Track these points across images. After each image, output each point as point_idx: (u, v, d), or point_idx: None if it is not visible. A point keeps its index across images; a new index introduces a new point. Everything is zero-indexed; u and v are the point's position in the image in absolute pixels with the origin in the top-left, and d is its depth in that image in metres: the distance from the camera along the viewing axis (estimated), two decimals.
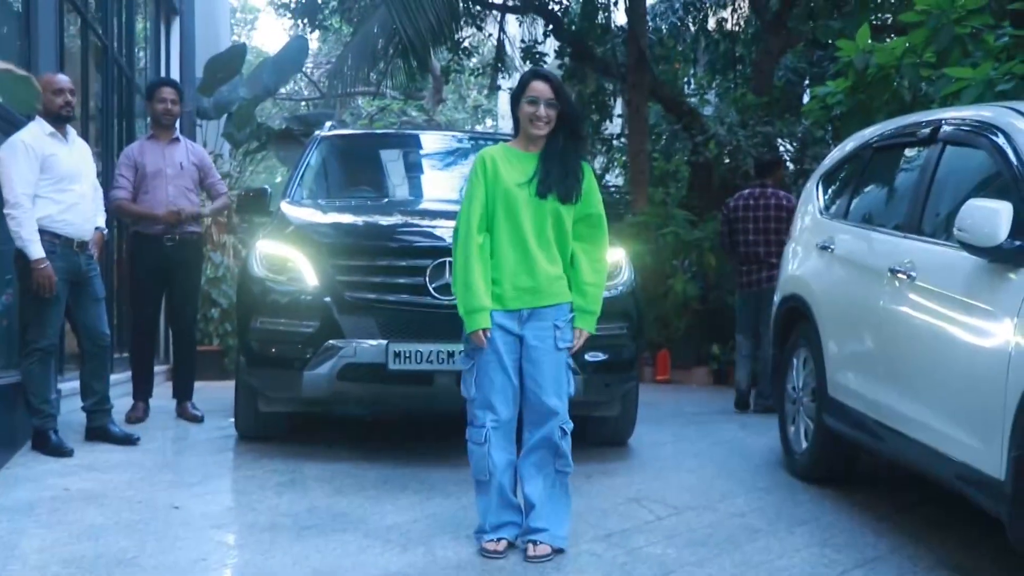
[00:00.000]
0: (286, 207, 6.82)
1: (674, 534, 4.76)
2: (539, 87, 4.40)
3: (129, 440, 6.58)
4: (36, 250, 5.97)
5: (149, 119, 7.92)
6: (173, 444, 6.72)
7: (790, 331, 6.19)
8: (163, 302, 7.75)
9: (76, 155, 6.37)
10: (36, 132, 6.13)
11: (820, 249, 5.84)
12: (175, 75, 12.52)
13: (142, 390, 7.56)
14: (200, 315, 10.95)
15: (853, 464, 5.68)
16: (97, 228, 6.51)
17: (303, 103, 24.70)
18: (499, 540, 4.41)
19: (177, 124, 7.85)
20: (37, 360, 6.13)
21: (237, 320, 6.59)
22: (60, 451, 6.09)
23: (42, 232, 6.04)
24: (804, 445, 5.85)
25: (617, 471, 6.07)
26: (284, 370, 5.91)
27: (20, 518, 4.78)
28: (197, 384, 7.87)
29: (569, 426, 4.46)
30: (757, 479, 5.90)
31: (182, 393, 7.74)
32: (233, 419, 6.75)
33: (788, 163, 13.05)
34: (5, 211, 5.99)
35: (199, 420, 7.56)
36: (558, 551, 4.38)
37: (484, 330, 4.32)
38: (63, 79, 6.34)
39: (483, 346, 4.33)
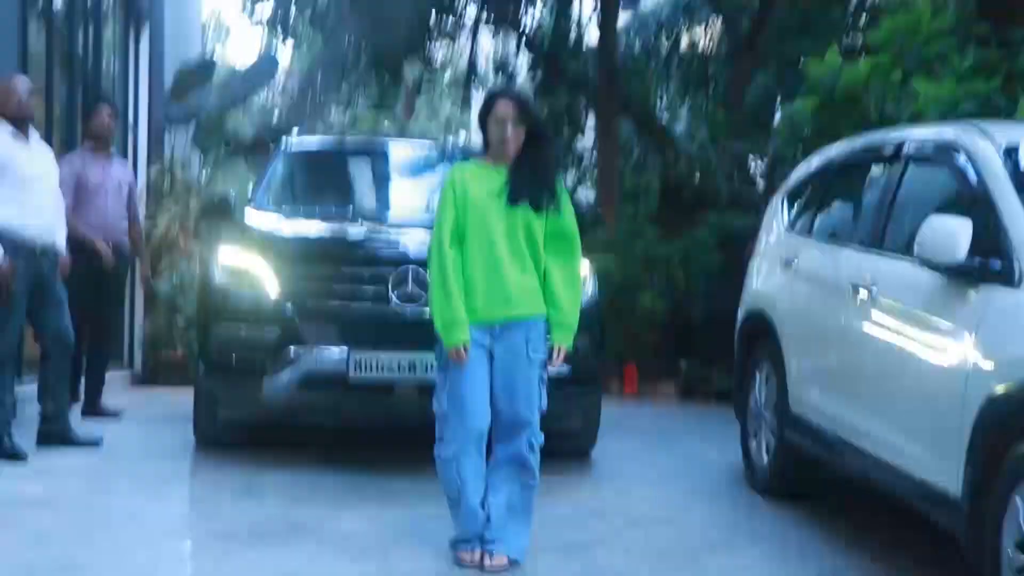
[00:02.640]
0: (250, 214, 6.79)
1: (633, 547, 4.75)
2: (504, 108, 4.38)
3: (93, 442, 6.55)
4: None
5: (85, 134, 8.08)
6: (131, 450, 6.65)
7: (753, 346, 6.19)
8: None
9: (38, 158, 6.31)
10: (3, 132, 6.07)
11: (784, 265, 5.85)
12: (143, 82, 12.45)
13: (72, 390, 7.54)
14: (164, 322, 10.90)
15: (814, 480, 5.68)
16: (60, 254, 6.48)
17: (275, 112, 24.60)
18: (474, 551, 4.38)
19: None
20: None
21: (197, 327, 6.55)
22: (15, 455, 6.01)
23: (2, 235, 5.97)
24: (765, 460, 5.85)
25: (579, 483, 6.05)
26: (244, 377, 5.87)
27: None
28: (160, 391, 7.88)
29: (539, 440, 4.43)
30: (718, 493, 5.90)
31: (93, 393, 7.93)
32: (192, 426, 6.67)
33: (758, 181, 13.12)
34: None
35: (116, 415, 7.82)
36: (515, 563, 4.35)
37: (463, 346, 4.27)
38: (23, 81, 6.32)
39: (461, 362, 4.27)
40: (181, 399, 8.41)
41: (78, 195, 7.47)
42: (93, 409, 7.91)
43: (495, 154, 4.45)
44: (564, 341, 4.45)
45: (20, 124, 6.18)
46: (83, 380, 8.09)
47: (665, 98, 16.72)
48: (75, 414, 7.71)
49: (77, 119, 9.64)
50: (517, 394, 4.36)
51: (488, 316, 4.33)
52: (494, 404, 4.37)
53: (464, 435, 4.33)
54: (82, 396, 7.90)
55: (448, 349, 4.29)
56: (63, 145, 9.16)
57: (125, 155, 10.98)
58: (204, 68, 13.53)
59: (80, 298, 7.29)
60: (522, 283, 4.37)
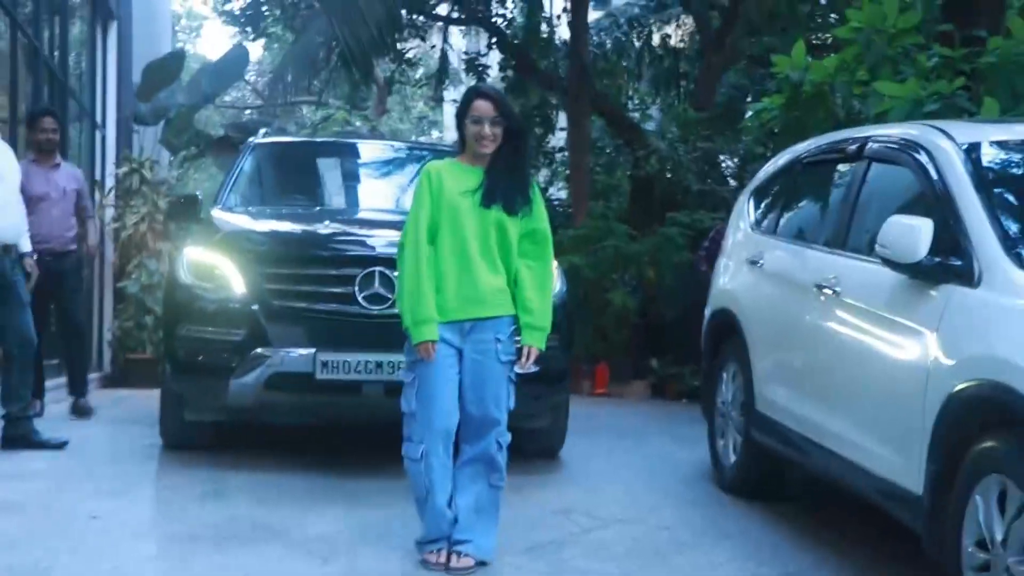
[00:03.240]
0: (216, 214, 6.77)
1: (600, 547, 4.76)
2: (482, 106, 4.37)
3: (58, 445, 6.54)
4: None
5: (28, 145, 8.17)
6: (97, 453, 6.61)
7: (720, 345, 6.21)
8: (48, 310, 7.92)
9: None
10: None
11: (750, 264, 5.87)
12: (111, 80, 12.39)
13: (36, 389, 7.60)
14: (133, 323, 10.87)
15: (780, 478, 5.69)
16: (25, 254, 6.47)
17: (246, 111, 24.55)
18: (439, 551, 4.38)
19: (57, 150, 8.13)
20: None
21: (163, 327, 6.52)
22: None
23: None
24: (732, 459, 5.87)
25: (546, 483, 6.06)
26: (210, 378, 5.85)
27: None
28: (126, 392, 7.87)
29: (506, 440, 4.44)
30: (686, 492, 5.92)
31: (79, 389, 8.15)
32: (159, 428, 6.64)
33: (729, 179, 13.17)
34: None
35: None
36: (482, 563, 4.35)
37: (431, 343, 4.27)
38: None
39: (429, 359, 4.28)
40: (150, 400, 8.40)
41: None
42: (78, 407, 8.08)
43: (471, 153, 4.44)
44: (535, 343, 4.46)
45: None
46: (67, 380, 8.25)
47: (636, 96, 16.79)
48: (54, 415, 7.78)
49: None
50: (486, 394, 4.37)
51: (458, 315, 4.34)
52: (462, 404, 4.38)
53: (432, 434, 4.33)
54: (41, 399, 7.83)
55: (417, 346, 4.29)
56: (28, 144, 9.11)
57: (92, 155, 10.94)
58: (172, 61, 13.43)
59: (35, 305, 7.29)
60: (493, 283, 4.37)
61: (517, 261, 4.45)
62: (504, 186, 4.38)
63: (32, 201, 7.47)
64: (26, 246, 6.58)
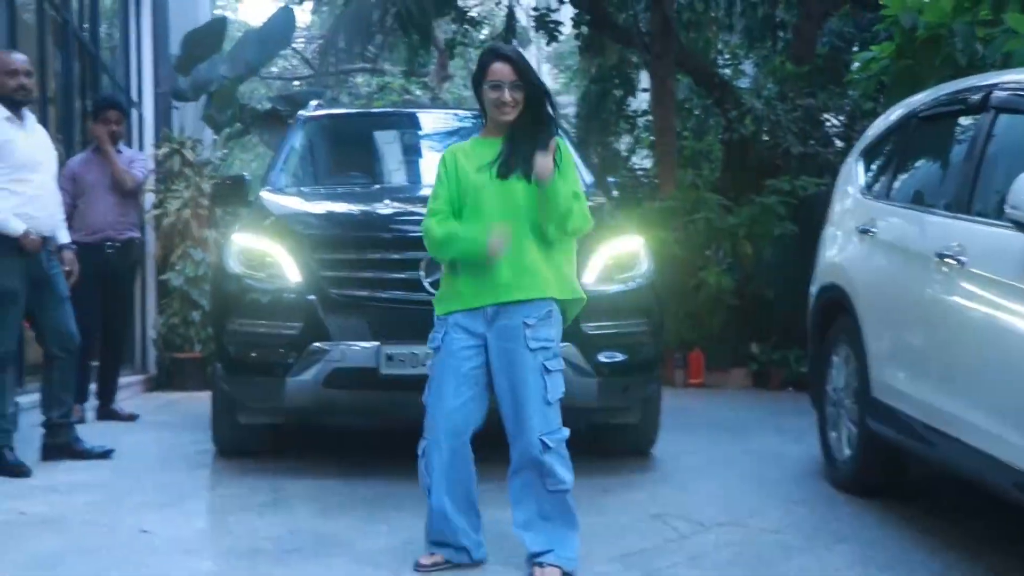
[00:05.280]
0: (266, 196, 6.83)
1: (699, 554, 4.74)
2: (501, 69, 4.37)
3: (103, 454, 6.68)
4: (15, 225, 6.07)
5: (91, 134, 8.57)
6: (144, 461, 6.73)
7: (829, 325, 6.16)
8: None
9: (35, 142, 6.39)
10: None
11: (860, 233, 5.81)
12: (147, 52, 12.55)
13: (81, 392, 7.88)
14: (178, 319, 11.02)
15: (901, 473, 5.64)
16: (64, 246, 6.68)
17: (294, 82, 24.76)
18: (432, 554, 4.47)
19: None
20: None
21: (212, 323, 6.61)
22: (17, 470, 6.10)
23: None
24: (846, 453, 5.82)
25: (638, 484, 6.05)
26: (265, 377, 5.91)
27: None
28: (175, 396, 8.00)
29: (556, 438, 4.37)
30: (793, 491, 5.88)
31: (107, 395, 8.34)
32: (211, 432, 6.74)
33: (834, 140, 13.02)
34: None
35: (132, 418, 8.23)
36: (568, 574, 4.36)
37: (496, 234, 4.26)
38: (19, 58, 6.39)
39: (503, 237, 4.26)
40: (199, 403, 8.56)
41: (76, 195, 8.00)
42: (107, 412, 8.26)
43: (492, 123, 4.47)
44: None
45: (15, 106, 6.26)
46: (95, 383, 8.38)
47: (727, 50, 16.64)
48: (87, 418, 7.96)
49: (74, 96, 9.76)
50: (516, 387, 4.33)
51: (478, 301, 4.35)
52: (499, 404, 4.39)
53: (435, 431, 4.39)
54: (91, 399, 8.10)
55: (491, 244, 4.27)
56: (59, 125, 9.29)
57: (129, 135, 11.09)
58: (213, 29, 13.57)
59: (88, 298, 7.49)
60: (520, 264, 4.34)
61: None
62: (523, 153, 4.36)
63: (89, 189, 8.02)
64: (64, 238, 6.71)
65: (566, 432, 4.42)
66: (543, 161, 4.24)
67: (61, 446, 6.60)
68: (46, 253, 6.39)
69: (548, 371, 4.35)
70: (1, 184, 6.13)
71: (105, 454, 6.69)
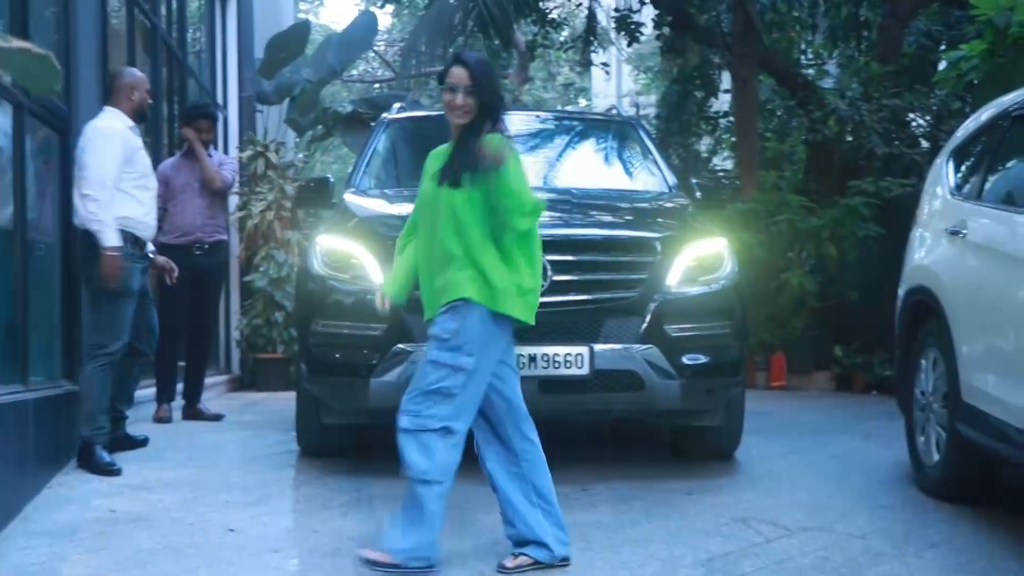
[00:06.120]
0: (350, 198, 6.87)
1: (785, 558, 4.69)
2: (457, 73, 4.52)
3: (143, 443, 7.01)
4: (113, 237, 6.28)
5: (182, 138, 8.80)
6: (229, 461, 6.82)
7: (917, 328, 6.07)
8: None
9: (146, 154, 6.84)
10: (123, 123, 6.52)
11: (951, 235, 5.72)
12: (232, 56, 12.71)
13: (168, 392, 8.26)
14: (262, 320, 11.13)
15: (992, 478, 5.54)
16: (153, 254, 6.99)
17: (375, 85, 24.94)
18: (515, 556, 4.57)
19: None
20: (106, 365, 6.41)
21: (296, 324, 6.66)
22: (108, 470, 6.20)
23: (122, 234, 6.39)
24: (935, 457, 5.73)
25: (721, 487, 6.01)
26: (349, 378, 5.94)
27: (62, 543, 4.87)
28: (260, 396, 8.07)
29: (408, 424, 4.46)
30: (881, 496, 5.80)
31: (193, 395, 8.47)
32: (295, 433, 6.80)
33: (920, 140, 12.86)
34: (86, 192, 6.29)
35: (218, 418, 8.36)
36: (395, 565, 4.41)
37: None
38: (141, 75, 6.89)
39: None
40: (282, 403, 8.65)
41: (167, 198, 8.22)
42: (193, 412, 8.40)
43: (452, 128, 4.61)
44: None
45: (138, 118, 6.74)
46: (181, 383, 8.53)
47: (810, 50, 16.48)
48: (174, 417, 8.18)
49: (162, 99, 9.92)
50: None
51: (428, 314, 4.61)
52: None
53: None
54: (178, 399, 8.25)
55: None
56: (148, 129, 9.45)
57: (214, 138, 11.24)
58: (297, 33, 13.71)
59: (176, 299, 7.73)
60: (448, 274, 4.47)
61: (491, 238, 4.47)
62: (463, 160, 4.47)
63: (179, 193, 8.30)
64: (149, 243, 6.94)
65: (415, 420, 4.46)
66: (485, 148, 4.37)
67: (120, 439, 6.81)
68: (145, 258, 6.69)
69: (434, 361, 4.46)
70: (128, 190, 6.47)
71: (144, 442, 7.02)
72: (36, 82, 6.01)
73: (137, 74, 6.88)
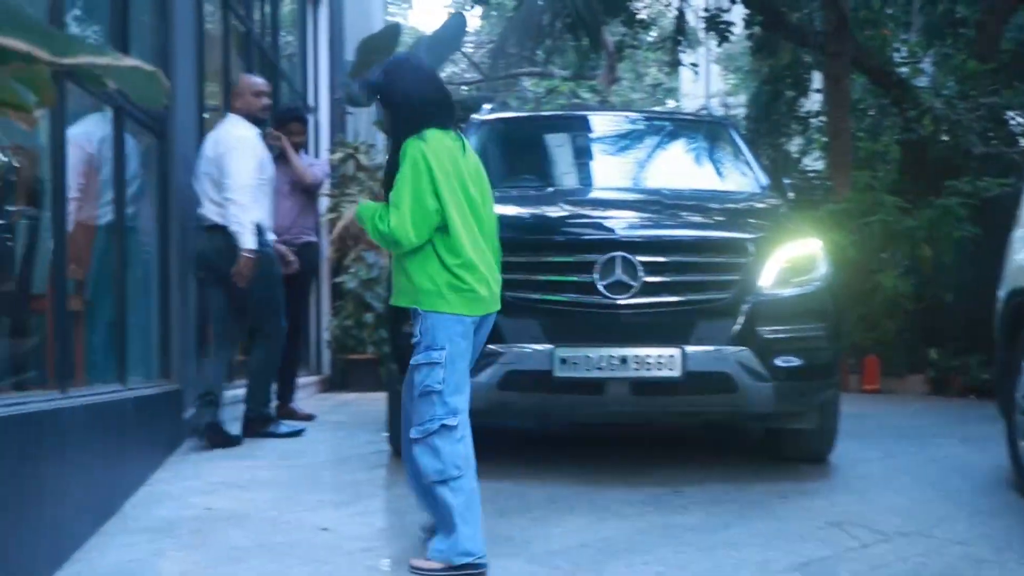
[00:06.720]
0: None
1: (882, 564, 4.63)
2: None
3: (236, 440, 7.22)
4: (251, 240, 6.71)
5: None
6: (321, 461, 6.88)
7: (1018, 330, 5.96)
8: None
9: None
10: (252, 131, 6.95)
11: None
12: (323, 59, 12.84)
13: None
14: (352, 321, 11.22)
15: None
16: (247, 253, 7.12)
17: (463, 87, 25.03)
18: None
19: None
20: (274, 345, 7.11)
21: (387, 325, 6.70)
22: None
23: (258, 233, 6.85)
24: None
25: (815, 491, 5.95)
26: None
27: (161, 539, 4.95)
28: (351, 396, 8.16)
29: (414, 434, 4.54)
30: (981, 502, 5.70)
31: (287, 394, 8.62)
32: (387, 433, 6.85)
33: (1019, 139, 12.63)
34: (230, 196, 6.69)
35: (310, 418, 8.46)
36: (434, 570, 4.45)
37: None
38: (262, 81, 7.21)
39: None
40: (373, 404, 8.72)
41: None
42: (286, 412, 8.49)
43: None
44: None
45: (257, 124, 7.12)
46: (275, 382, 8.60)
47: (904, 48, 16.26)
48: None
49: None
50: None
51: None
52: None
53: None
54: (272, 398, 8.36)
55: None
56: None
57: (307, 141, 11.36)
58: (387, 35, 13.78)
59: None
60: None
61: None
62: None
63: (270, 194, 8.41)
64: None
65: (435, 425, 4.48)
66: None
67: (214, 434, 7.04)
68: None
69: (413, 366, 4.62)
70: (258, 196, 6.87)
71: (237, 440, 7.22)
72: (146, 96, 6.20)
73: (259, 80, 7.17)
